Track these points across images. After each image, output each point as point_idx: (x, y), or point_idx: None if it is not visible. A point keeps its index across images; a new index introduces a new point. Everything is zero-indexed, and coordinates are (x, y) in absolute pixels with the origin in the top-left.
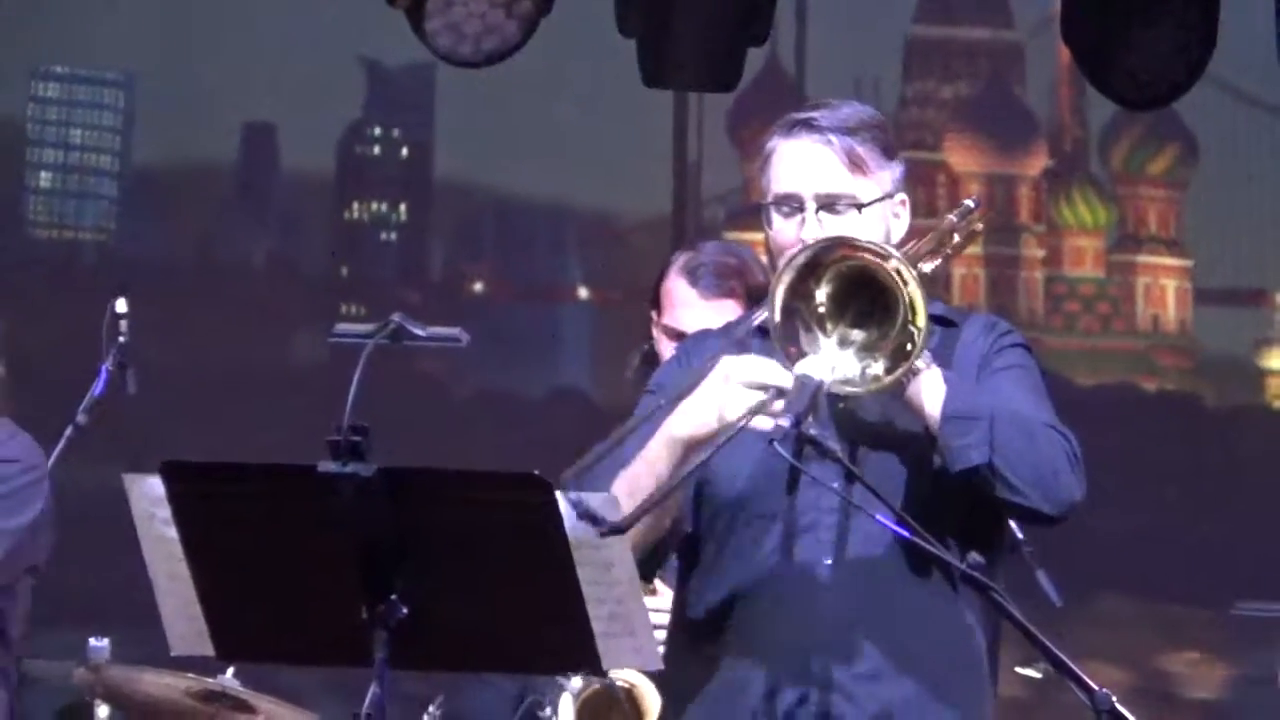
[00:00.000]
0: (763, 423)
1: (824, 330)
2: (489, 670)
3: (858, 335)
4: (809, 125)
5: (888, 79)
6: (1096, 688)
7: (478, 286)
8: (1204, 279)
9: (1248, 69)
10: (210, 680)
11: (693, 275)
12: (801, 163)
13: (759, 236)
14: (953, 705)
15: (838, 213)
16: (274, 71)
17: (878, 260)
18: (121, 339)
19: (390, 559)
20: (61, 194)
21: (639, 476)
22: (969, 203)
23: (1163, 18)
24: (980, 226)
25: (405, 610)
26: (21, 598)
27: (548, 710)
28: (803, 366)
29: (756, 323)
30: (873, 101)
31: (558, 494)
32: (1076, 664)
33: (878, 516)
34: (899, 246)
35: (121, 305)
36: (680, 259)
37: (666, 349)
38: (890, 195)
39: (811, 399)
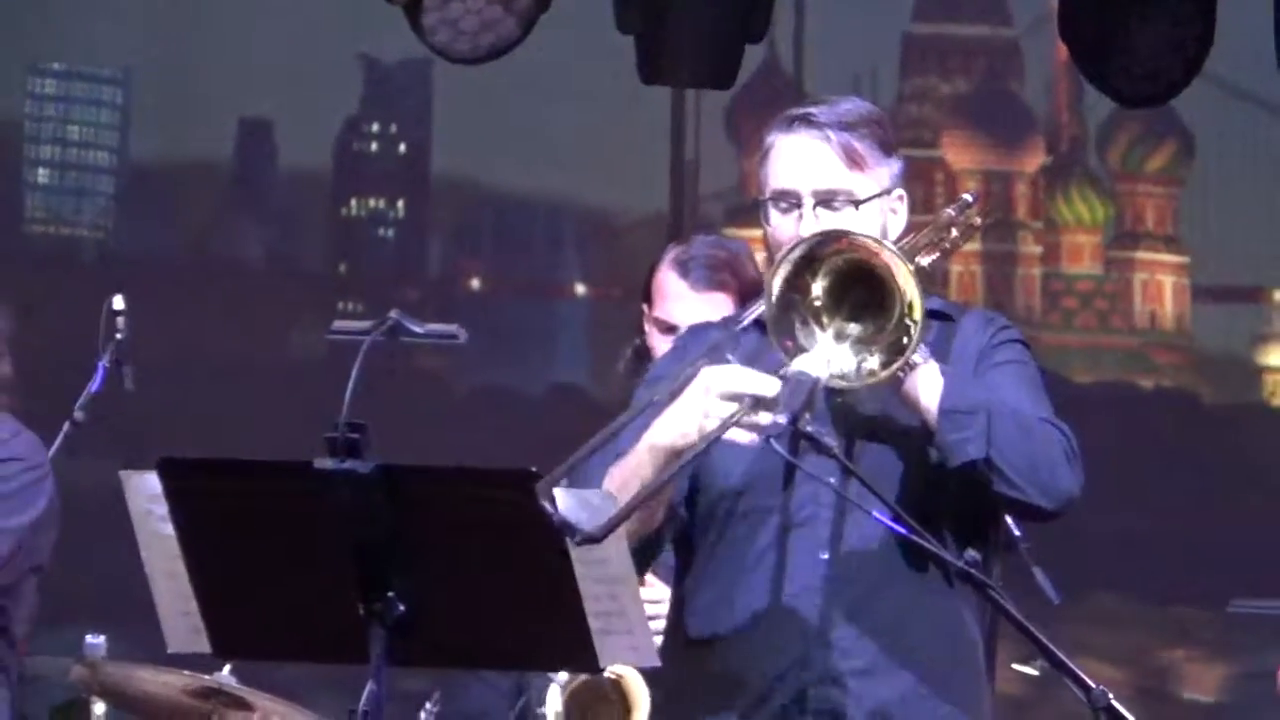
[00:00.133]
0: (740, 435)
1: (820, 324)
2: (486, 667)
3: (854, 329)
4: (807, 121)
5: (885, 76)
6: (1093, 685)
7: (475, 283)
8: (1201, 276)
9: (1245, 66)
10: (207, 677)
11: (684, 268)
12: (799, 159)
13: (757, 233)
14: (949, 701)
15: (835, 209)
16: (271, 68)
17: (874, 254)
18: (119, 335)
19: (387, 556)
20: (59, 191)
21: (624, 479)
22: (967, 197)
23: (1160, 15)
24: (979, 221)
25: (402, 607)
26: (26, 597)
27: (544, 706)
28: (799, 363)
29: (753, 316)
30: (870, 98)
31: (554, 492)
32: (1073, 661)
33: (874, 513)
34: (896, 242)
35: (119, 302)
36: (671, 252)
37: (658, 342)
38: (888, 191)
39: (808, 396)
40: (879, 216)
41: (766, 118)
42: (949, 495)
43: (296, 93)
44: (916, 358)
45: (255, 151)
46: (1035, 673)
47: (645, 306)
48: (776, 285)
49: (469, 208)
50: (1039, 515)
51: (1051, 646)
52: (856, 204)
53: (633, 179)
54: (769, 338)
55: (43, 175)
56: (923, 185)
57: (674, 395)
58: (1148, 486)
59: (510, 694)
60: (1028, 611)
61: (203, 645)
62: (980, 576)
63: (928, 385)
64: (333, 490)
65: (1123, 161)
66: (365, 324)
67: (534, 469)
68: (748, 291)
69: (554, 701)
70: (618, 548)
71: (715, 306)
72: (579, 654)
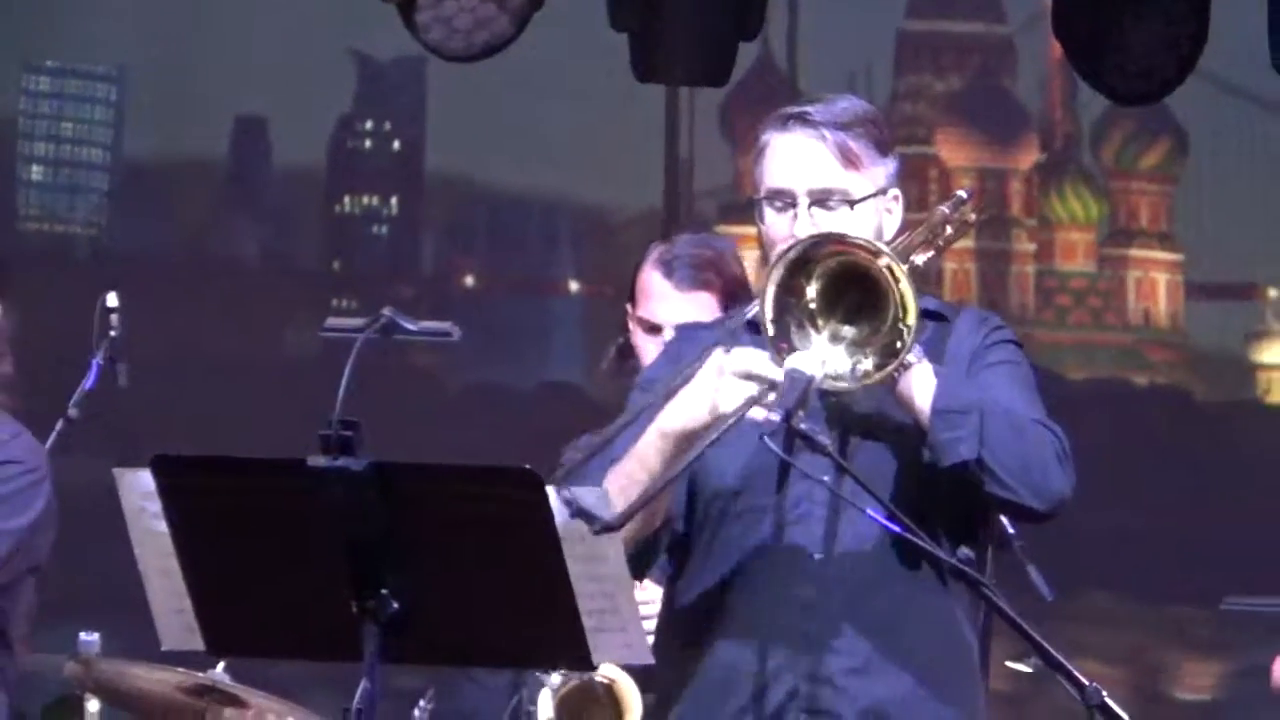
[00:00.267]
0: (755, 413)
1: (815, 327)
2: (479, 665)
3: (849, 331)
4: (803, 119)
5: (879, 73)
6: (1087, 682)
7: (469, 280)
8: (1195, 273)
9: (1239, 63)
10: (201, 675)
11: (668, 267)
12: (794, 157)
13: (751, 231)
14: (943, 699)
15: (830, 208)
16: (265, 65)
17: (869, 256)
18: (113, 333)
19: (381, 553)
20: (53, 188)
21: (631, 472)
22: (961, 194)
23: (1154, 12)
24: (973, 217)
25: (396, 604)
26: (23, 598)
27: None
28: (793, 361)
29: (748, 317)
30: (864, 96)
31: (549, 489)
32: (1067, 659)
33: (868, 510)
34: (891, 241)
35: (113, 299)
36: (655, 251)
37: (642, 341)
38: (883, 191)
39: (802, 393)
40: (874, 216)
41: (761, 115)
42: (942, 494)
43: (291, 90)
44: (910, 358)
45: (250, 149)
46: (1029, 670)
47: (629, 306)
48: (771, 288)
49: (463, 205)
50: (1031, 516)
51: (1045, 644)
52: (852, 203)
53: (627, 176)
54: (762, 338)
55: (37, 172)
56: (917, 183)
57: (685, 381)
58: (1141, 484)
59: (504, 692)
60: (1021, 609)
61: (196, 643)
62: (974, 574)
63: (921, 385)
64: (326, 488)
65: (1116, 159)
66: (359, 321)
67: (527, 466)
68: (732, 290)
69: (545, 706)
70: (612, 546)
71: (699, 306)
72: (573, 652)
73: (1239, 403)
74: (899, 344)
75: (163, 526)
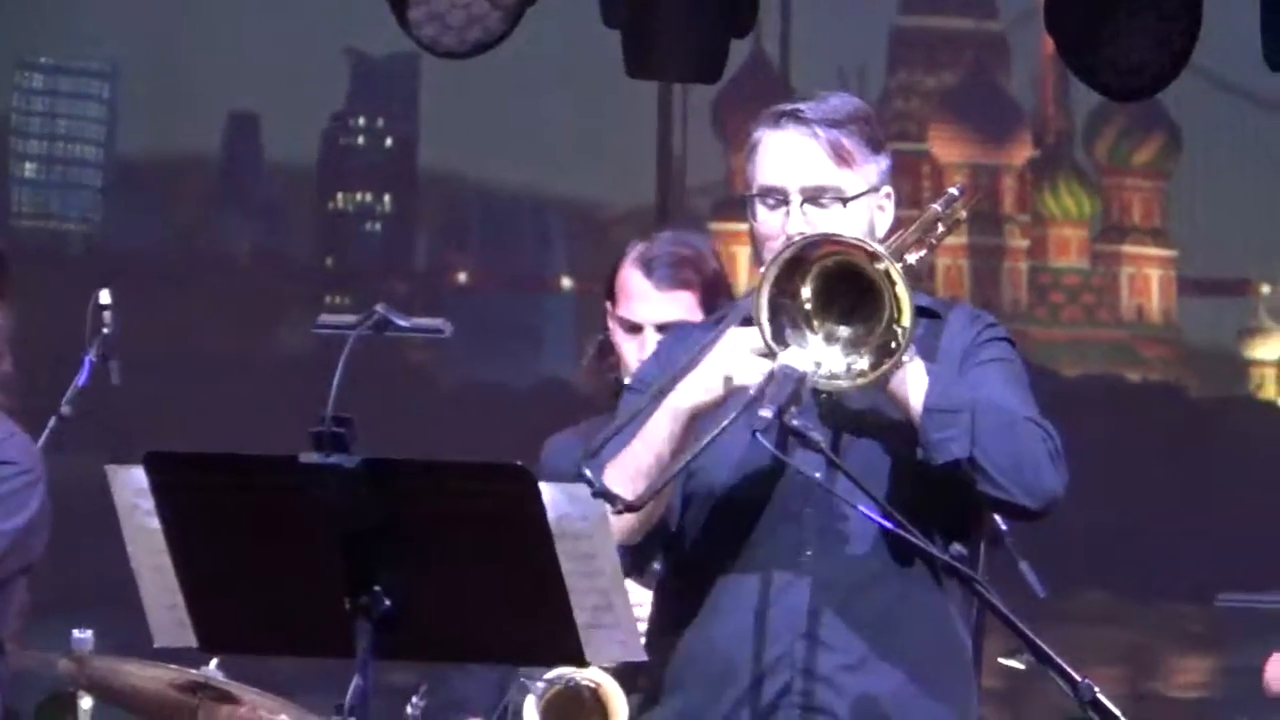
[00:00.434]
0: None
1: (810, 327)
2: (472, 661)
3: (844, 331)
4: (795, 117)
5: (872, 70)
6: (1079, 679)
7: (462, 277)
8: (1188, 269)
9: (1232, 59)
10: (193, 671)
11: (647, 267)
12: (787, 155)
13: (744, 228)
14: (936, 695)
15: (822, 206)
16: (258, 62)
17: (864, 257)
18: (105, 330)
19: (373, 550)
20: (46, 185)
21: (638, 455)
22: (954, 191)
23: (1146, 8)
24: (964, 214)
25: (388, 601)
26: (15, 596)
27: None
28: (785, 358)
29: (741, 317)
30: (857, 92)
31: (541, 485)
32: (1059, 655)
33: (860, 507)
34: (884, 239)
35: (105, 296)
36: (634, 250)
37: (622, 340)
38: (876, 189)
39: (794, 390)
40: (867, 213)
41: (753, 112)
42: (935, 491)
43: (284, 87)
44: (904, 357)
45: (243, 145)
46: (1022, 667)
47: (609, 304)
48: (766, 288)
49: (456, 202)
50: (1023, 514)
51: (1038, 640)
52: (844, 201)
53: (619, 173)
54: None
55: (30, 169)
56: (909, 179)
57: (693, 363)
58: (1135, 480)
59: (497, 688)
60: (1014, 605)
61: (189, 639)
62: (966, 571)
63: (913, 383)
64: (319, 484)
65: (1109, 155)
66: (351, 318)
67: (520, 463)
68: (711, 288)
69: (530, 712)
70: (605, 542)
71: (679, 305)
72: (566, 648)
73: (1232, 398)
74: (894, 344)
75: (155, 523)
